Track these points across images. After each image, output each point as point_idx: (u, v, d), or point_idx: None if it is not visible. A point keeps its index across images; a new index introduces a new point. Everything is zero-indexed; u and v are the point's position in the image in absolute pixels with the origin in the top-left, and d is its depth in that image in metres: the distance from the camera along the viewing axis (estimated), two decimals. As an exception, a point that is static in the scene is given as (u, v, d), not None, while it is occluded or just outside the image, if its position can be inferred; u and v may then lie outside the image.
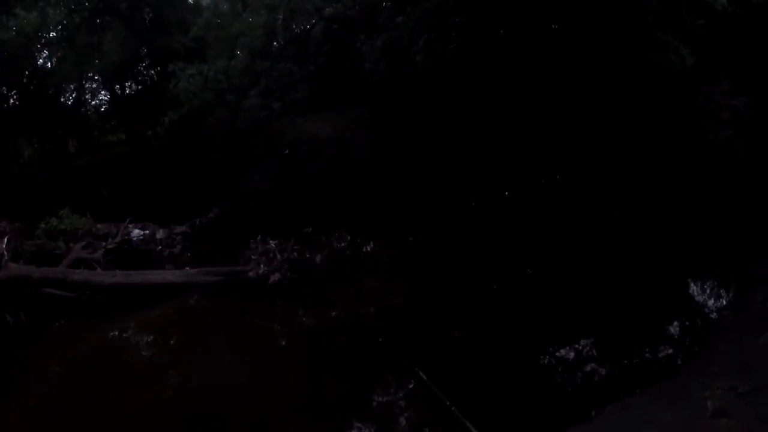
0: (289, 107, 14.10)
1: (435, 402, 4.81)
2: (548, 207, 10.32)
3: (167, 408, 5.42)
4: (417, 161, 12.83)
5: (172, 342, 7.24)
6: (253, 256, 8.41)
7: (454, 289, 7.50)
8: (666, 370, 5.01)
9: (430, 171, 12.41)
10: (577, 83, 10.97)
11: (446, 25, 12.26)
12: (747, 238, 7.46)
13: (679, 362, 5.25)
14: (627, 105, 10.38)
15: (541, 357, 5.70)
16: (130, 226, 10.55)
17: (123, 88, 18.87)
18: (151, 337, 7.27)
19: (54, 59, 17.36)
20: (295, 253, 8.50)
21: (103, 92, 19.76)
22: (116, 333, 7.41)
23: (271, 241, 8.64)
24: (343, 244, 11.11)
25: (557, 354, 5.74)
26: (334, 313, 7.28)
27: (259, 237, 8.79)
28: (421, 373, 5.23)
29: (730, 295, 6.62)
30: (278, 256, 8.28)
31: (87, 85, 19.35)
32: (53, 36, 15.57)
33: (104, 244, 9.63)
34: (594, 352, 5.72)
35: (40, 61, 17.44)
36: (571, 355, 5.70)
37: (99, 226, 10.20)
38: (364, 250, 10.77)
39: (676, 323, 6.13)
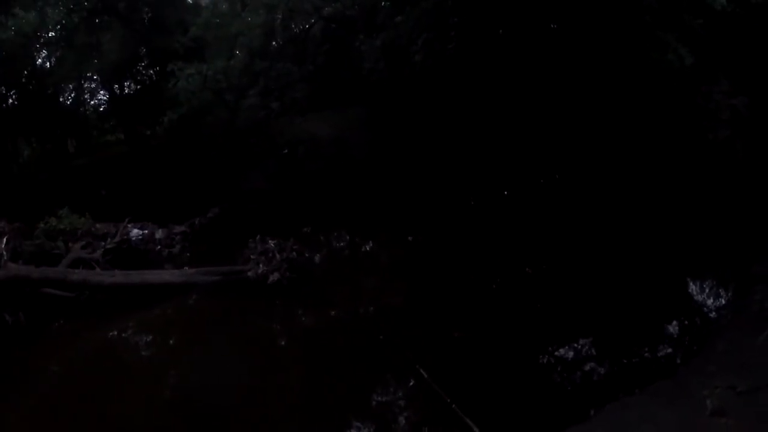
0: (288, 107, 14.12)
1: (435, 401, 4.81)
2: (547, 206, 10.34)
3: (167, 408, 5.43)
4: (416, 161, 12.83)
5: (171, 342, 7.24)
6: (252, 256, 8.41)
7: (453, 289, 7.50)
8: (665, 370, 5.01)
9: (429, 170, 12.42)
10: (576, 82, 10.97)
11: (445, 24, 12.25)
12: (746, 237, 7.46)
13: (678, 361, 5.26)
14: (626, 104, 10.39)
15: (541, 356, 5.70)
16: (129, 225, 10.55)
17: (122, 88, 18.84)
18: (151, 336, 7.28)
19: (53, 59, 17.32)
20: (294, 253, 8.50)
21: (102, 92, 19.76)
22: (115, 333, 7.41)
23: (270, 241, 8.63)
24: (342, 244, 11.12)
25: (556, 353, 5.75)
26: (333, 313, 7.28)
27: (258, 237, 8.79)
28: (422, 371, 5.24)
29: (729, 294, 6.63)
30: (277, 256, 8.28)
31: (86, 85, 19.34)
32: (52, 36, 15.52)
33: (103, 243, 9.62)
34: (593, 351, 5.73)
35: (39, 60, 17.42)
36: (571, 354, 5.71)
37: (98, 225, 10.19)
38: (363, 249, 10.78)
39: (675, 322, 6.14)
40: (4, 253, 8.45)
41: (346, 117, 15.37)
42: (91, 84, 19.41)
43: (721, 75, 9.44)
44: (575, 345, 5.80)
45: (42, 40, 15.57)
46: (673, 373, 4.89)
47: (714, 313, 6.31)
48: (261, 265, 8.12)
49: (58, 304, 7.95)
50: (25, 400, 5.66)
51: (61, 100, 19.04)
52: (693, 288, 7.11)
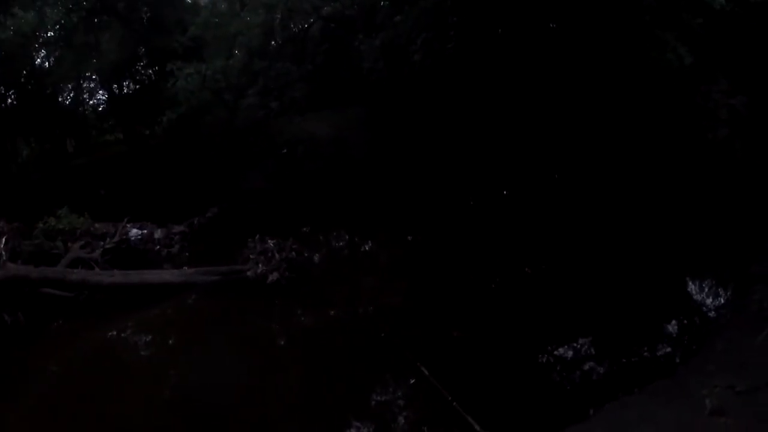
0: (287, 106, 14.11)
1: (434, 401, 4.82)
2: (547, 206, 10.33)
3: (166, 408, 5.42)
4: (415, 160, 12.83)
5: (170, 342, 7.23)
6: (251, 256, 8.40)
7: (453, 289, 7.50)
8: (664, 369, 5.01)
9: (429, 170, 12.42)
10: (576, 82, 10.97)
11: (444, 24, 12.25)
12: (745, 236, 7.47)
13: (678, 361, 5.26)
14: (625, 104, 10.39)
15: (540, 356, 5.70)
16: (128, 225, 10.54)
17: (121, 88, 18.82)
18: (150, 336, 7.27)
19: (52, 59, 17.30)
20: (293, 253, 8.50)
21: (100, 92, 19.73)
22: (115, 333, 7.40)
23: (269, 241, 8.63)
24: (341, 244, 11.12)
25: (556, 353, 5.75)
26: (332, 313, 7.29)
27: (257, 236, 8.78)
28: (422, 368, 5.24)
29: (729, 293, 6.63)
30: (276, 256, 8.27)
31: (85, 85, 19.34)
32: (51, 35, 15.52)
33: (102, 243, 9.62)
34: (592, 350, 5.73)
35: (38, 60, 17.40)
36: (570, 353, 5.71)
37: (97, 225, 10.19)
38: (362, 249, 10.78)
39: (674, 322, 6.14)
40: (3, 252, 8.43)
41: (345, 117, 15.37)
42: (90, 84, 19.42)
43: (720, 74, 9.45)
44: (574, 344, 5.80)
45: (41, 39, 15.56)
46: (673, 372, 4.89)
47: (713, 312, 6.31)
48: (260, 265, 8.12)
49: (57, 304, 7.94)
50: (25, 400, 5.65)
51: (60, 99, 19.03)
52: (692, 287, 7.12)
